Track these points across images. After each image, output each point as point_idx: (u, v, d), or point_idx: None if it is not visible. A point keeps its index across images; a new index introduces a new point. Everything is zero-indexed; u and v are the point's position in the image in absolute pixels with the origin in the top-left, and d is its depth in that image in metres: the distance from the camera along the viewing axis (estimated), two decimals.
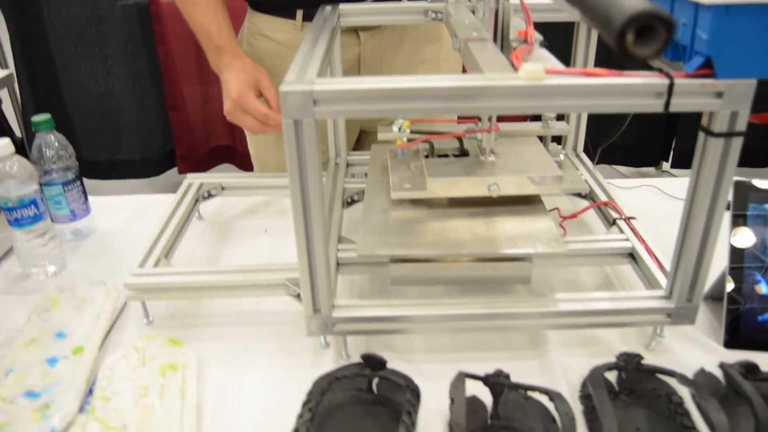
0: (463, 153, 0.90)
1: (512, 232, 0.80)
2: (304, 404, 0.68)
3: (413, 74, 0.63)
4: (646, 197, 1.13)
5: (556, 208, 0.99)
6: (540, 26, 0.79)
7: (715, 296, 0.87)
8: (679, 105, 0.62)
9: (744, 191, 0.80)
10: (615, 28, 0.42)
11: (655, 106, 0.62)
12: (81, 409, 0.74)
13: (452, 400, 0.65)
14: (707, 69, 0.61)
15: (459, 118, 0.96)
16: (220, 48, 1.04)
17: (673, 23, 0.42)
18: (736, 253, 0.80)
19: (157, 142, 2.52)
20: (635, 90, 0.61)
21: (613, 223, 0.92)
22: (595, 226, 1.01)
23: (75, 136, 2.37)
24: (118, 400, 0.73)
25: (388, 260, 0.79)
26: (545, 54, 0.70)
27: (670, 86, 0.61)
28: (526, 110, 0.63)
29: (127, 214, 1.15)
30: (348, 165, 1.13)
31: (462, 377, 0.67)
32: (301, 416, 0.67)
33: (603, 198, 0.98)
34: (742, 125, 0.63)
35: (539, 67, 0.61)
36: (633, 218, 0.91)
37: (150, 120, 2.48)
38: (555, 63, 0.67)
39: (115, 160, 2.51)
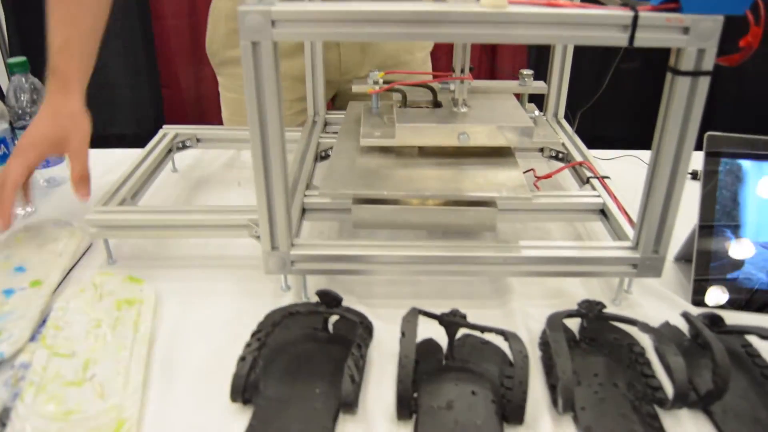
0: (436, 105, 0.89)
1: (479, 178, 0.79)
2: (254, 334, 0.67)
3: None
4: (626, 166, 1.11)
5: (532, 169, 0.97)
6: None
7: (686, 257, 0.85)
8: (644, 39, 0.61)
9: (716, 144, 0.79)
10: None
11: (620, 39, 0.61)
12: (32, 338, 0.73)
13: (403, 334, 0.64)
14: (673, 3, 0.60)
15: (432, 73, 0.95)
16: (55, 70, 0.84)
17: None
18: (706, 210, 0.79)
19: (149, 118, 2.51)
20: (599, 21, 0.60)
21: (587, 181, 0.91)
22: (570, 189, 1.00)
23: None
24: (70, 330, 0.72)
25: (352, 204, 0.78)
26: None
27: (635, 19, 0.60)
28: (488, 38, 0.62)
29: (102, 166, 1.13)
30: (326, 123, 1.12)
31: (415, 312, 0.66)
32: (248, 345, 0.65)
33: (580, 159, 0.97)
34: (708, 64, 0.62)
35: None
36: (607, 177, 0.90)
37: (143, 96, 2.47)
38: None
39: (108, 135, 2.50)
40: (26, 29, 2.35)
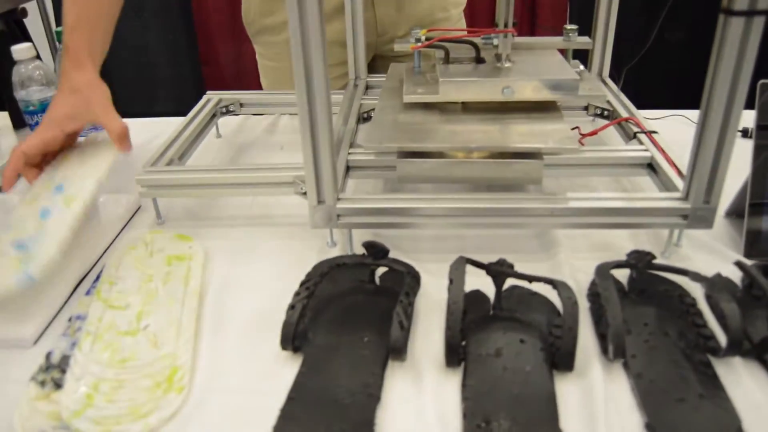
0: (479, 61, 0.88)
1: (525, 131, 0.78)
2: (302, 284, 0.68)
3: None
4: (674, 125, 1.09)
5: (577, 127, 0.96)
6: None
7: (738, 212, 0.83)
8: None
9: None
10: None
11: None
12: (87, 293, 0.75)
13: (451, 281, 0.64)
14: None
15: (474, 32, 0.94)
16: (66, 49, 0.84)
17: None
18: (759, 157, 0.77)
19: (190, 96, 2.53)
20: None
21: (634, 136, 0.89)
22: (616, 145, 0.98)
23: (111, 87, 2.40)
24: (123, 284, 0.74)
25: (396, 159, 0.78)
26: None
27: None
28: None
29: (149, 133, 1.16)
30: (367, 87, 1.12)
31: (462, 260, 0.66)
32: (297, 294, 0.66)
33: (626, 116, 0.95)
34: (764, 3, 0.60)
35: None
36: (655, 132, 0.88)
37: (184, 73, 2.50)
38: None
39: (150, 113, 2.54)
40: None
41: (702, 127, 0.68)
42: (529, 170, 0.76)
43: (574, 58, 1.02)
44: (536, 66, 0.85)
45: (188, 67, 2.49)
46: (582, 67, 0.97)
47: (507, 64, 0.85)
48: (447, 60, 0.88)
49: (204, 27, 2.41)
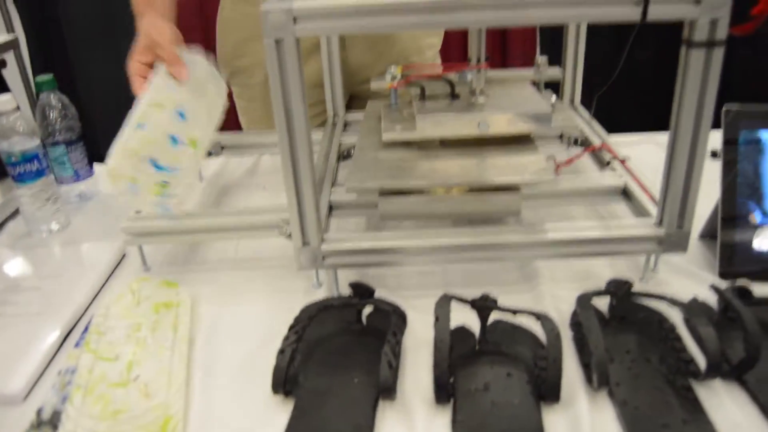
0: (454, 96, 0.90)
1: (502, 165, 0.80)
2: (291, 328, 0.69)
3: None
4: (645, 149, 1.11)
5: (552, 156, 0.98)
6: None
7: (711, 234, 0.86)
8: (656, 12, 0.62)
9: (735, 117, 0.79)
10: None
11: (633, 13, 0.62)
12: (76, 344, 0.75)
13: (437, 319, 0.65)
14: None
15: (447, 67, 0.96)
16: (136, 14, 0.95)
17: None
18: (728, 182, 0.79)
19: None
20: None
21: (607, 164, 0.91)
22: (591, 172, 1.01)
23: (89, 128, 2.40)
24: (112, 334, 0.74)
25: (378, 198, 0.79)
26: None
27: None
28: (503, 21, 0.63)
29: None
30: (345, 124, 1.14)
31: (447, 298, 0.67)
32: (287, 338, 0.67)
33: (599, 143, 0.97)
34: (722, 34, 0.63)
35: None
36: (627, 159, 0.91)
37: None
38: None
39: None
40: (48, 48, 2.41)
41: (671, 154, 0.70)
42: (507, 203, 0.78)
43: (546, 87, 1.04)
44: (509, 99, 0.87)
45: None
46: (554, 97, 1.00)
47: (481, 99, 0.87)
48: (423, 96, 0.90)
49: None
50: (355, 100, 1.30)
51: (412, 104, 0.90)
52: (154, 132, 0.80)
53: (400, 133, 0.84)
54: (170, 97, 0.83)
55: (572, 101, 1.11)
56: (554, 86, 1.09)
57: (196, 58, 0.90)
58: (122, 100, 2.59)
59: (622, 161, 0.90)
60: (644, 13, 0.61)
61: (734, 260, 0.79)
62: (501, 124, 0.83)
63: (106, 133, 2.71)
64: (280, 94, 0.65)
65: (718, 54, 0.64)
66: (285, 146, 0.68)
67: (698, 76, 0.65)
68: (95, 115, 2.45)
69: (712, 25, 0.62)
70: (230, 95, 1.31)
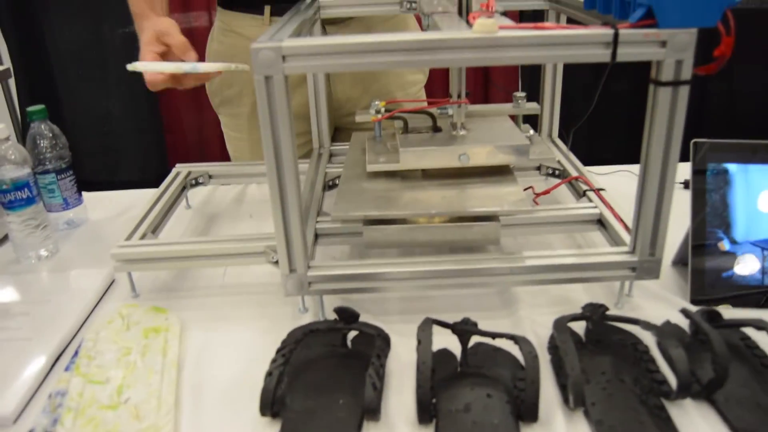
0: (436, 130, 0.94)
1: (481, 195, 0.83)
2: (278, 351, 0.71)
3: None
4: (620, 180, 1.16)
5: (531, 187, 1.02)
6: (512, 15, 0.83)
7: (683, 261, 0.89)
8: (625, 54, 0.66)
9: (703, 150, 0.83)
10: None
11: (603, 56, 0.66)
12: (66, 368, 0.76)
13: (419, 342, 0.67)
14: (650, 19, 0.65)
15: (430, 100, 1.00)
16: (135, 15, 1.04)
17: None
18: (697, 212, 0.83)
19: (154, 164, 2.57)
20: (583, 40, 0.65)
21: (583, 194, 0.95)
22: (568, 202, 1.04)
23: (76, 156, 2.43)
24: (101, 358, 0.76)
25: (362, 227, 0.82)
26: (502, 18, 0.74)
27: (615, 36, 0.65)
28: (481, 62, 0.67)
29: (118, 207, 1.19)
30: (331, 155, 1.17)
31: (429, 322, 0.70)
32: (274, 361, 0.69)
33: (575, 175, 1.01)
34: (687, 74, 0.67)
35: (492, 21, 0.65)
36: (602, 189, 0.95)
37: (147, 142, 2.54)
38: (509, 23, 0.71)
39: (114, 181, 2.57)
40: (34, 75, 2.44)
41: (642, 185, 0.74)
42: (487, 232, 0.81)
43: (525, 121, 1.09)
44: (489, 133, 0.91)
45: (151, 135, 2.53)
46: (532, 131, 1.04)
47: (462, 132, 0.91)
48: (406, 129, 0.93)
49: (167, 96, 2.46)
50: (340, 132, 1.33)
51: (395, 137, 0.94)
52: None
53: (384, 165, 0.88)
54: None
55: (550, 134, 1.16)
56: (533, 119, 1.13)
57: None
58: (107, 128, 2.63)
59: (597, 192, 0.94)
60: (614, 54, 0.65)
61: (704, 286, 0.82)
62: (481, 156, 0.86)
63: (91, 161, 2.74)
64: (269, 127, 0.68)
65: (684, 92, 0.68)
66: (273, 178, 0.70)
67: (666, 113, 0.69)
68: (80, 143, 2.48)
69: (678, 65, 0.66)
70: (215, 122, 1.34)
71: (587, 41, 0.65)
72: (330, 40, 0.66)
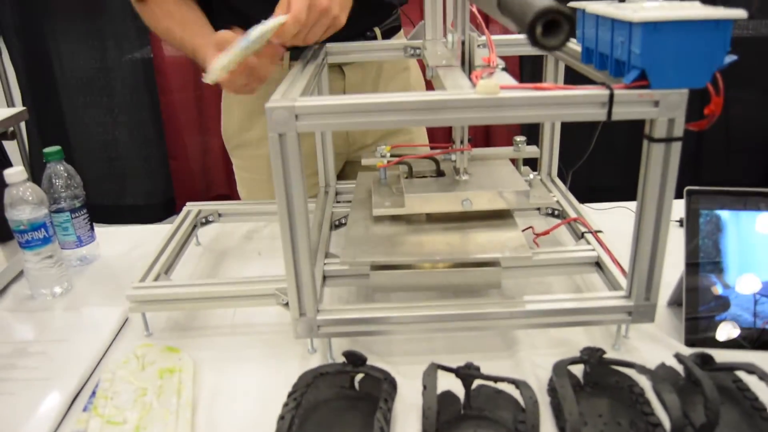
0: (440, 174, 0.97)
1: (483, 241, 0.87)
2: (290, 395, 0.74)
3: None
4: (619, 217, 1.19)
5: (531, 227, 1.05)
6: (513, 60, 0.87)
7: (678, 301, 0.93)
8: (620, 113, 0.69)
9: (696, 198, 0.87)
10: (526, 22, 0.50)
11: (600, 114, 0.70)
12: (84, 409, 0.79)
13: (425, 387, 0.71)
14: (643, 81, 0.69)
15: (433, 145, 1.03)
16: (194, 51, 1.03)
17: (574, 18, 0.50)
18: (691, 258, 0.87)
19: (159, 189, 2.61)
20: (580, 101, 0.69)
21: (582, 236, 0.99)
22: (567, 243, 1.08)
23: (83, 181, 2.47)
24: (118, 399, 0.79)
25: (369, 271, 0.85)
26: (504, 75, 0.78)
27: (611, 96, 0.69)
28: (484, 121, 0.70)
29: (129, 242, 1.22)
30: (337, 193, 1.21)
31: (434, 367, 0.73)
32: (286, 405, 0.72)
33: (574, 216, 1.05)
34: (679, 131, 0.71)
35: (494, 82, 0.69)
36: (600, 231, 0.98)
37: (153, 167, 2.58)
38: (511, 82, 0.75)
39: (121, 205, 2.61)
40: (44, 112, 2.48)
41: (637, 235, 0.77)
42: (489, 277, 0.84)
43: (525, 163, 1.12)
44: (491, 178, 0.94)
45: (156, 161, 2.57)
46: (532, 175, 1.07)
47: (465, 177, 0.94)
48: (410, 174, 0.97)
49: (171, 123, 2.50)
50: (350, 165, 1.37)
51: (400, 179, 0.97)
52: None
53: (390, 209, 0.91)
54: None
55: (549, 174, 1.19)
56: (533, 160, 1.16)
57: None
58: (114, 154, 2.66)
59: (595, 234, 0.97)
60: (609, 113, 0.69)
61: (698, 329, 0.85)
62: (483, 201, 0.90)
63: (97, 186, 2.76)
64: (282, 181, 0.72)
65: (677, 147, 0.71)
66: (285, 228, 0.74)
67: (659, 167, 0.72)
68: (87, 168, 2.52)
69: (670, 123, 0.70)
70: (218, 148, 1.38)
71: (584, 101, 0.69)
72: (340, 99, 0.70)
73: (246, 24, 0.90)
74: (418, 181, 0.94)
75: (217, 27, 1.17)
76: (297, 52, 1.16)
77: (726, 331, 0.85)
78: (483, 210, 0.91)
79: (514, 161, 1.06)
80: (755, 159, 2.57)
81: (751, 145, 2.53)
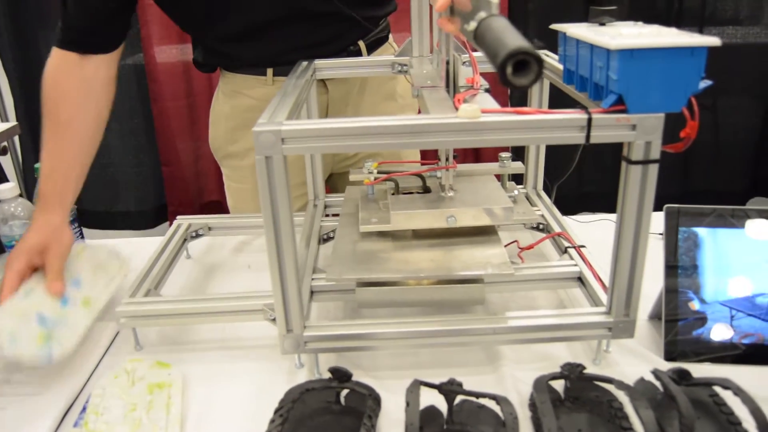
0: (426, 190, 0.99)
1: (467, 257, 0.89)
2: (276, 411, 0.75)
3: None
4: (601, 230, 1.21)
5: (516, 241, 1.07)
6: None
7: (659, 315, 0.94)
8: (598, 137, 0.71)
9: (674, 216, 0.89)
10: (498, 62, 0.52)
11: (578, 138, 0.72)
12: (75, 424, 0.81)
13: (407, 404, 0.72)
14: (621, 105, 0.71)
15: (422, 162, 1.05)
16: (40, 196, 0.98)
17: (542, 60, 0.52)
18: (670, 274, 0.89)
19: (151, 196, 2.62)
20: (559, 124, 0.71)
21: (565, 251, 1.01)
22: (552, 257, 1.10)
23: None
24: (109, 414, 0.80)
25: (355, 287, 0.87)
26: (486, 97, 0.80)
27: (589, 120, 0.71)
28: (466, 144, 0.72)
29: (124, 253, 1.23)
30: (325, 206, 1.22)
31: (417, 383, 0.75)
32: (272, 421, 0.74)
33: (558, 230, 1.07)
34: (656, 153, 0.73)
35: (476, 107, 0.71)
36: (583, 246, 1.00)
37: (145, 174, 2.58)
38: (493, 104, 0.77)
39: (113, 212, 2.61)
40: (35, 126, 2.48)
41: (616, 253, 0.79)
42: (472, 293, 0.86)
43: (512, 178, 1.14)
44: (475, 195, 0.96)
45: (149, 168, 2.58)
46: (516, 191, 1.09)
47: (450, 194, 0.96)
48: (397, 190, 0.99)
49: (164, 130, 2.51)
50: (336, 176, 1.39)
51: (387, 195, 0.99)
52: (39, 298, 0.90)
53: (376, 225, 0.93)
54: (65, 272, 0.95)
55: (535, 187, 1.21)
56: (519, 174, 1.18)
57: (97, 246, 1.04)
58: (105, 160, 2.65)
59: (578, 248, 0.99)
60: (587, 137, 0.71)
61: (677, 344, 0.87)
62: (467, 217, 0.91)
63: (89, 192, 2.76)
64: (269, 204, 0.73)
65: (654, 169, 0.73)
66: (272, 248, 0.76)
67: (637, 188, 0.74)
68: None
69: (647, 146, 0.72)
70: (210, 155, 1.39)
71: (564, 125, 0.71)
72: (326, 123, 0.71)
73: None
74: (404, 198, 0.96)
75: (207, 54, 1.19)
76: (281, 69, 1.18)
77: (704, 345, 0.87)
78: (467, 226, 0.92)
79: (499, 177, 1.08)
80: (744, 165, 2.60)
81: (739, 151, 2.56)
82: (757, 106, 2.52)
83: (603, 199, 2.51)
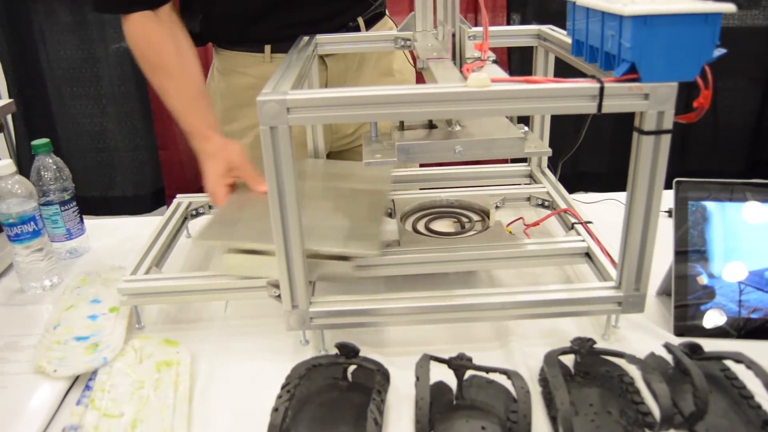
0: (432, 127, 0.94)
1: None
2: (283, 387, 0.74)
3: None
4: (608, 209, 1.20)
5: (521, 218, 1.06)
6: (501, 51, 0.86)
7: (667, 291, 0.94)
8: (610, 106, 0.70)
9: (684, 189, 0.88)
10: None
11: (590, 107, 0.70)
12: (78, 402, 0.79)
13: (417, 378, 0.71)
14: (633, 74, 0.69)
15: None
16: (189, 132, 1.09)
17: None
18: (679, 248, 0.87)
19: (148, 180, 2.60)
20: (571, 93, 0.70)
21: (572, 227, 0.99)
22: (557, 234, 1.09)
23: (71, 172, 2.45)
24: (116, 392, 0.79)
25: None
26: (495, 68, 0.79)
27: (601, 89, 0.69)
28: (475, 114, 0.71)
29: (119, 235, 1.22)
30: None
31: (426, 358, 0.73)
32: (280, 397, 0.73)
33: (564, 207, 1.05)
34: (668, 124, 0.71)
35: (485, 75, 0.69)
36: (590, 222, 0.99)
37: (142, 158, 2.56)
38: (502, 74, 0.75)
39: (109, 197, 2.59)
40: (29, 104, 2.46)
41: (627, 227, 0.78)
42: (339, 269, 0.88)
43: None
44: (484, 128, 0.91)
45: (145, 152, 2.55)
46: (526, 128, 1.06)
47: (457, 128, 0.93)
48: (402, 127, 0.95)
49: (160, 113, 2.48)
50: (333, 155, 1.37)
51: (392, 134, 0.95)
52: (69, 323, 0.93)
53: (381, 159, 0.88)
54: (80, 296, 1.00)
55: (539, 165, 1.20)
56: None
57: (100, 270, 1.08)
58: (102, 145, 2.63)
59: (585, 225, 0.98)
60: (599, 106, 0.70)
61: (687, 318, 0.87)
62: (476, 149, 0.81)
63: (86, 177, 2.73)
64: (273, 174, 0.72)
65: (666, 140, 0.72)
66: (277, 222, 0.74)
67: (649, 160, 0.73)
68: (75, 159, 2.50)
69: (660, 116, 0.71)
70: None
71: (575, 94, 0.69)
72: (332, 93, 0.70)
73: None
74: (409, 133, 0.92)
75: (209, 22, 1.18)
76: (279, 46, 1.16)
77: (712, 320, 0.86)
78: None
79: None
80: (741, 148, 2.60)
81: (736, 134, 2.56)
82: (755, 88, 2.52)
83: (601, 180, 2.52)
